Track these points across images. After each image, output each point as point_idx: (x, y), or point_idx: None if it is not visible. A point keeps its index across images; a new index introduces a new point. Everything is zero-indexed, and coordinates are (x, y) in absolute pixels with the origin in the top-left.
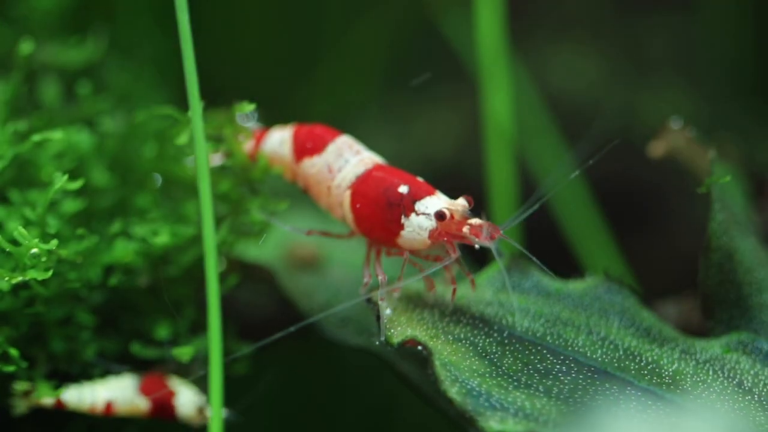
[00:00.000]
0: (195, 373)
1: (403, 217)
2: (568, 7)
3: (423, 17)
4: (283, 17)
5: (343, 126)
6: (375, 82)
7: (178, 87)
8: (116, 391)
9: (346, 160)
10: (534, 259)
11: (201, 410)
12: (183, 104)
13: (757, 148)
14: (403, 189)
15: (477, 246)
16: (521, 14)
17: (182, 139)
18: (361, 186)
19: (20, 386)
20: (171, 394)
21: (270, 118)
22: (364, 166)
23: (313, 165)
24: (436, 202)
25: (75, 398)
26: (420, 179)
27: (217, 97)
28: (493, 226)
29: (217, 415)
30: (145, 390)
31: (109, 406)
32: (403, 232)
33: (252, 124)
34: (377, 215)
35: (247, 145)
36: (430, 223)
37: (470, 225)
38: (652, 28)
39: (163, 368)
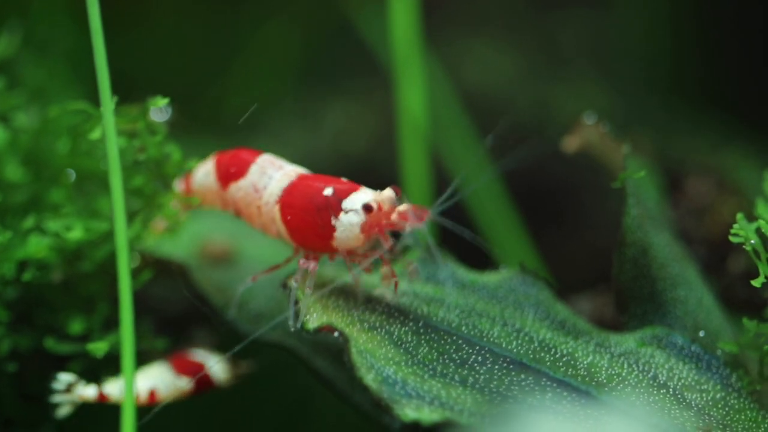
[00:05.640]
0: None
1: (333, 218)
2: (483, 2)
3: (338, 12)
4: (197, 12)
5: (257, 121)
6: (289, 77)
7: (92, 83)
8: (156, 379)
9: (270, 176)
10: (485, 245)
11: (231, 370)
12: (97, 100)
13: (671, 143)
14: (328, 191)
15: (408, 229)
16: (435, 9)
17: (95, 135)
18: (288, 198)
19: (63, 378)
20: (202, 367)
21: (184, 113)
22: (288, 178)
23: (239, 189)
24: (362, 196)
25: (116, 391)
26: (344, 179)
27: (131, 93)
28: (422, 207)
29: (129, 409)
30: (180, 371)
31: (152, 394)
32: (336, 234)
33: (166, 119)
34: (308, 222)
35: (179, 187)
36: (360, 218)
37: (398, 212)
38: (567, 24)
39: (181, 348)
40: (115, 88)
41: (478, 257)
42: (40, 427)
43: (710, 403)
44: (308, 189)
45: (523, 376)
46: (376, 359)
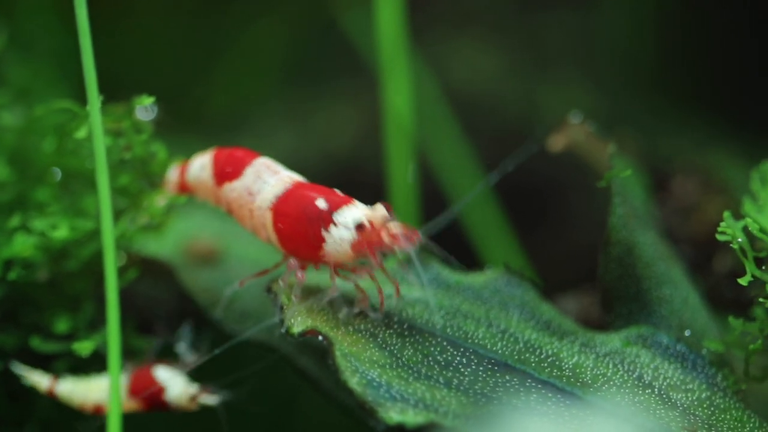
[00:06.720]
0: (187, 363)
1: (323, 230)
2: (469, 2)
3: (324, 12)
4: (184, 12)
5: (243, 121)
6: (275, 78)
7: (78, 82)
8: (105, 393)
9: (265, 181)
10: (455, 260)
11: (193, 398)
12: (83, 99)
13: (656, 142)
14: (321, 202)
15: (398, 251)
16: (421, 9)
17: (81, 133)
18: (282, 205)
19: (17, 368)
20: (161, 390)
21: (170, 112)
22: (283, 185)
23: (233, 189)
24: (354, 211)
25: (67, 391)
26: (338, 191)
27: (117, 92)
28: (413, 230)
29: (115, 408)
30: (135, 390)
31: (98, 408)
32: (325, 245)
33: (151, 118)
34: (299, 232)
35: (173, 176)
36: (351, 235)
37: (390, 233)
38: (552, 23)
39: (150, 359)
40: (101, 87)
41: (464, 257)
42: (26, 426)
43: (695, 403)
44: (302, 198)
45: (508, 377)
46: (360, 362)
